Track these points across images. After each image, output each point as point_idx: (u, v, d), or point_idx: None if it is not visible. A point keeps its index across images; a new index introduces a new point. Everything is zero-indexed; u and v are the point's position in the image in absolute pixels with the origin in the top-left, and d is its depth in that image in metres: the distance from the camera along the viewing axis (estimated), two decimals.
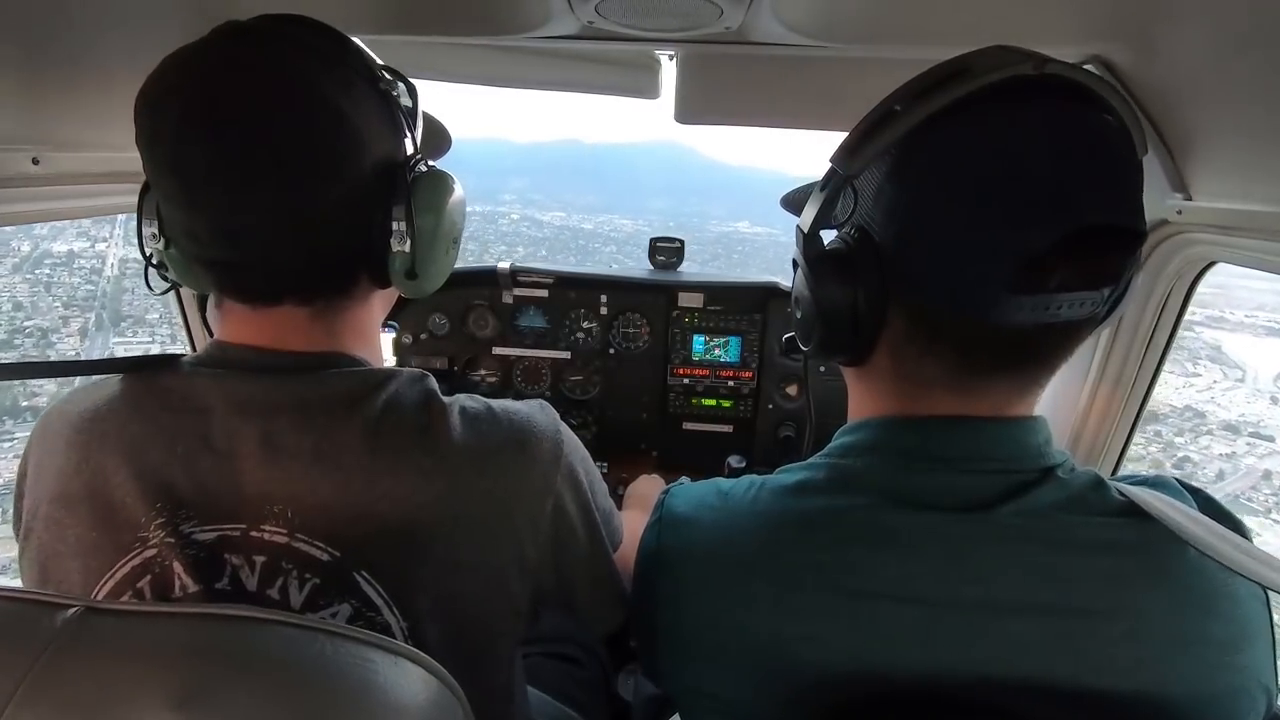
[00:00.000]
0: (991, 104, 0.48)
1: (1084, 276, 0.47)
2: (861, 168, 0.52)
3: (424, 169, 0.66)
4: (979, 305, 0.49)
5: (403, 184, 0.61)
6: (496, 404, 0.66)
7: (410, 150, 0.65)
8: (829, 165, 0.54)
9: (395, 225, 0.61)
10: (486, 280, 1.69)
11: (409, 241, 0.62)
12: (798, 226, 0.58)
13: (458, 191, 0.67)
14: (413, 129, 0.66)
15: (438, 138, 0.81)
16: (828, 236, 0.58)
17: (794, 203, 0.66)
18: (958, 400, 0.55)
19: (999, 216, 0.47)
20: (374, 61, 0.63)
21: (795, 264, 0.60)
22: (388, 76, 0.64)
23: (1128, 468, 1.27)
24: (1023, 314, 0.48)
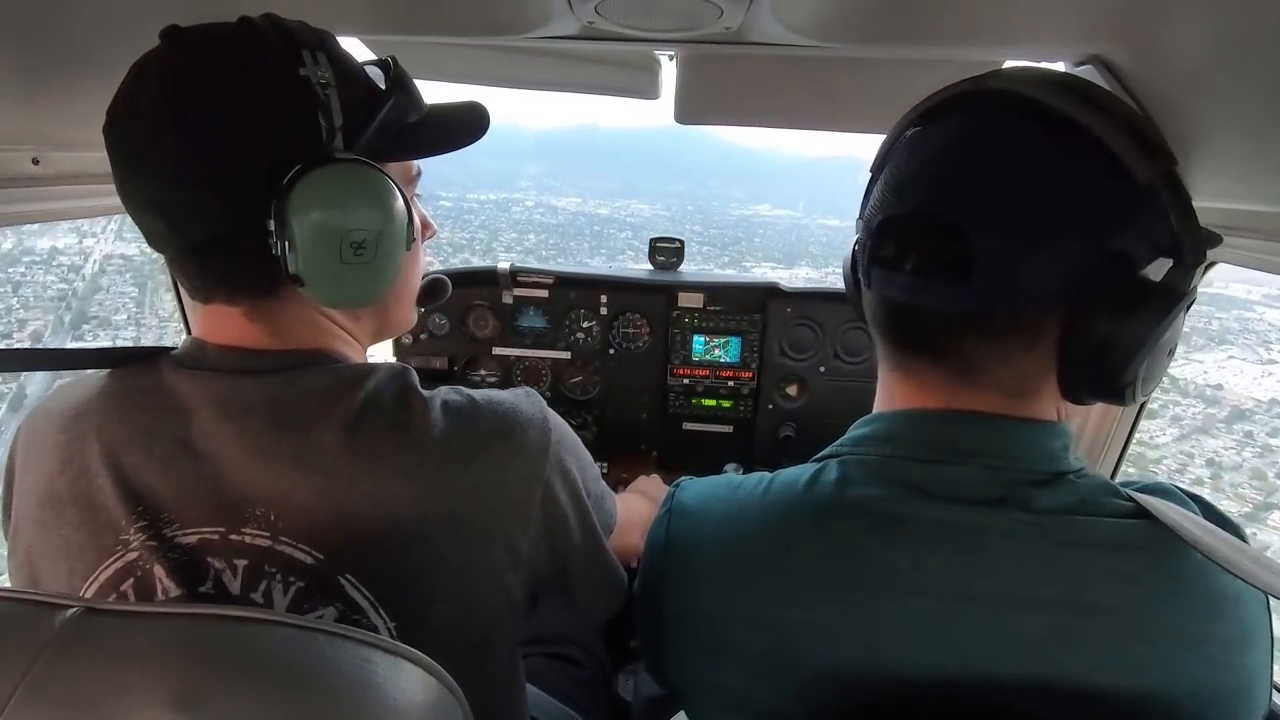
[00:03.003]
0: (940, 117, 0.56)
1: (925, 261, 0.53)
2: (874, 168, 0.61)
3: (344, 160, 0.59)
4: (865, 275, 0.58)
5: (279, 181, 0.56)
6: (480, 395, 0.64)
7: (335, 142, 0.59)
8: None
9: (270, 225, 0.57)
10: (486, 280, 1.69)
11: (286, 243, 0.57)
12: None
13: (364, 187, 0.60)
14: (346, 117, 0.59)
15: (442, 126, 0.72)
16: None
17: None
18: (943, 395, 0.56)
19: (874, 200, 0.58)
20: (312, 49, 0.58)
21: None
22: (356, 65, 0.62)
23: (1127, 471, 1.27)
24: (891, 289, 0.56)
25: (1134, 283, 0.50)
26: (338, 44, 0.62)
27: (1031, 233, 0.49)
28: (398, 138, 0.66)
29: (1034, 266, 0.49)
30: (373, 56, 0.68)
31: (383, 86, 0.63)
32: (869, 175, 0.62)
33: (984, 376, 0.55)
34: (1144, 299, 0.49)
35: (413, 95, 0.66)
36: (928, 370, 0.57)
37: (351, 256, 0.59)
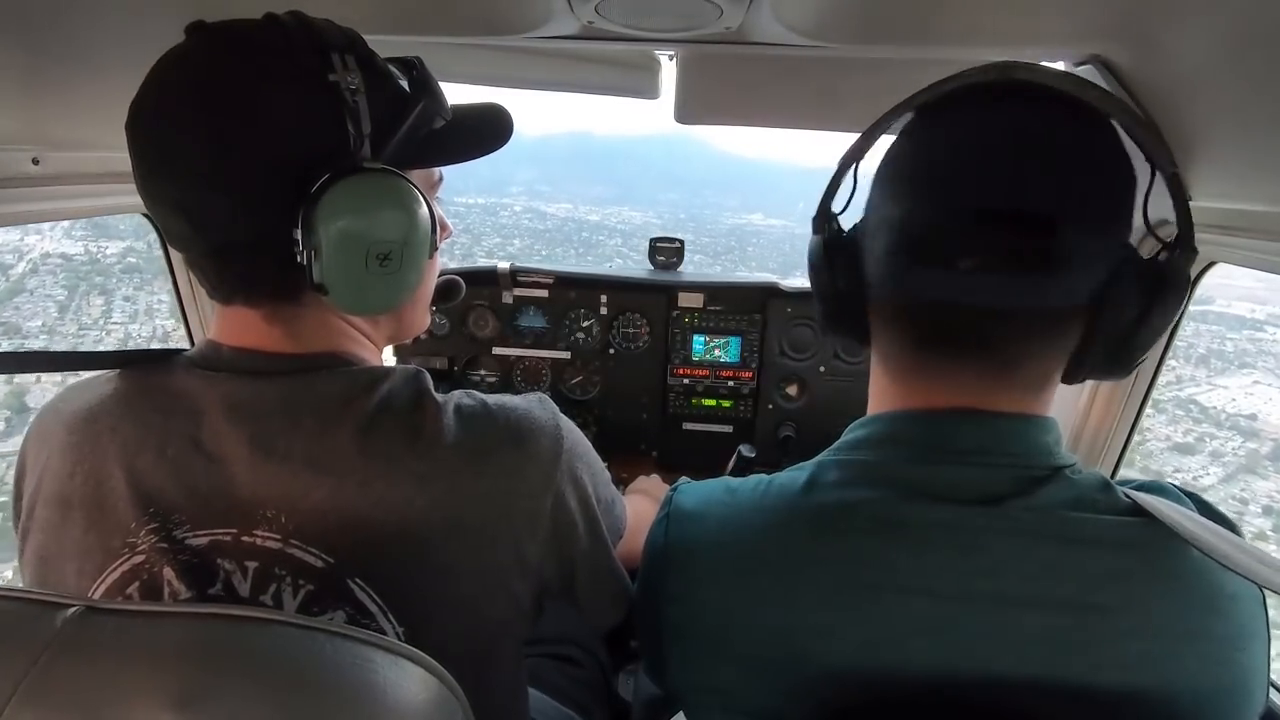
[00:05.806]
0: (949, 109, 0.54)
1: (1001, 257, 0.50)
2: (850, 158, 0.60)
3: (373, 169, 0.58)
4: (897, 276, 0.55)
5: (308, 188, 0.55)
6: (493, 400, 0.64)
7: (362, 150, 0.58)
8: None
9: (296, 233, 0.56)
10: (486, 280, 1.68)
11: (312, 251, 0.56)
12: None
13: (393, 198, 0.59)
14: (373, 124, 0.58)
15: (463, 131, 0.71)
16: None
17: None
18: (958, 394, 0.56)
19: (898, 195, 0.55)
20: (341, 52, 0.57)
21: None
22: (385, 68, 0.60)
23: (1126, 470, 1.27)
24: (939, 290, 0.52)
25: (1154, 269, 0.53)
26: (365, 45, 0.60)
27: (1105, 223, 0.51)
28: (423, 144, 0.65)
29: (1101, 256, 0.51)
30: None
31: (407, 88, 0.62)
32: (846, 169, 0.60)
33: (1017, 372, 0.55)
34: (1165, 285, 0.52)
35: (438, 99, 0.65)
36: (957, 371, 0.56)
37: (377, 267, 0.59)
